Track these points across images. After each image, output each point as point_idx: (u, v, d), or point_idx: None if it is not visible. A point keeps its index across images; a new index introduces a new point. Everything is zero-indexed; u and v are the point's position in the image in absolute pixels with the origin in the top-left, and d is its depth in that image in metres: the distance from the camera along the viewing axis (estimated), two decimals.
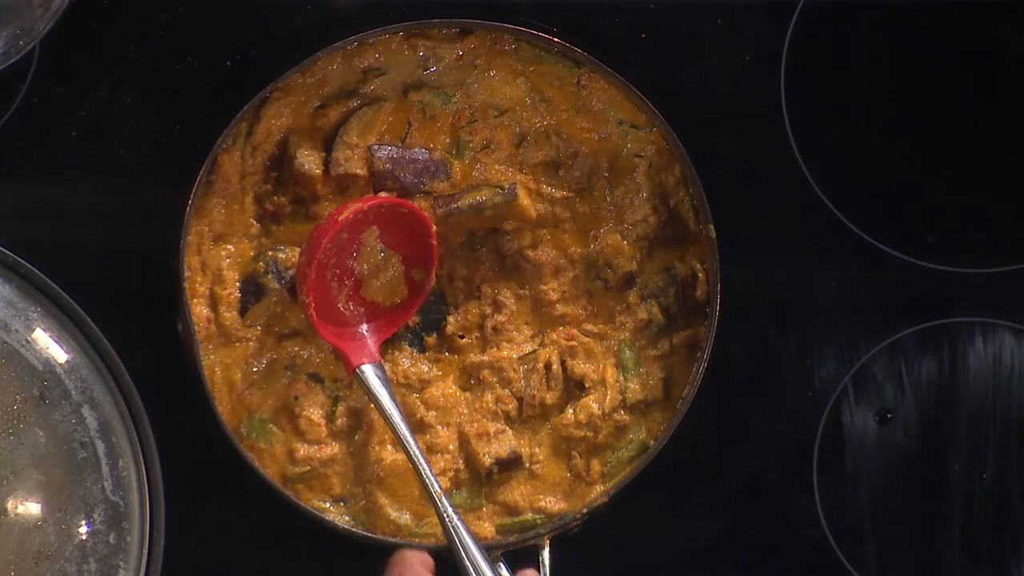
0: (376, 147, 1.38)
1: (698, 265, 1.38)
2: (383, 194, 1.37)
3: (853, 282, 1.43)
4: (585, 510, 1.36)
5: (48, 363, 1.31)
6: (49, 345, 1.31)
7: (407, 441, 1.32)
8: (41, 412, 1.30)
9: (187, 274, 1.36)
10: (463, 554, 1.28)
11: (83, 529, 1.29)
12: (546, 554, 1.35)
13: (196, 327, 1.35)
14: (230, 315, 1.37)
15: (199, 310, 1.37)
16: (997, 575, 1.43)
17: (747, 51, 1.43)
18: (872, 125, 1.43)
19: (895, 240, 1.43)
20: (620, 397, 1.38)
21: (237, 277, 1.38)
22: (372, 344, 1.36)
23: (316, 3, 1.41)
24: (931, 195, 1.43)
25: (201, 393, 1.34)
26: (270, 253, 1.38)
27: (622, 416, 1.38)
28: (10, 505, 1.29)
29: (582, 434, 1.38)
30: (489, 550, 1.34)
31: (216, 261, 1.38)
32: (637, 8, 1.42)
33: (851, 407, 1.42)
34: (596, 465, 1.38)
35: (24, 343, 1.30)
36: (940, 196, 1.43)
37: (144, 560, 1.31)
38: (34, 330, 1.31)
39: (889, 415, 1.42)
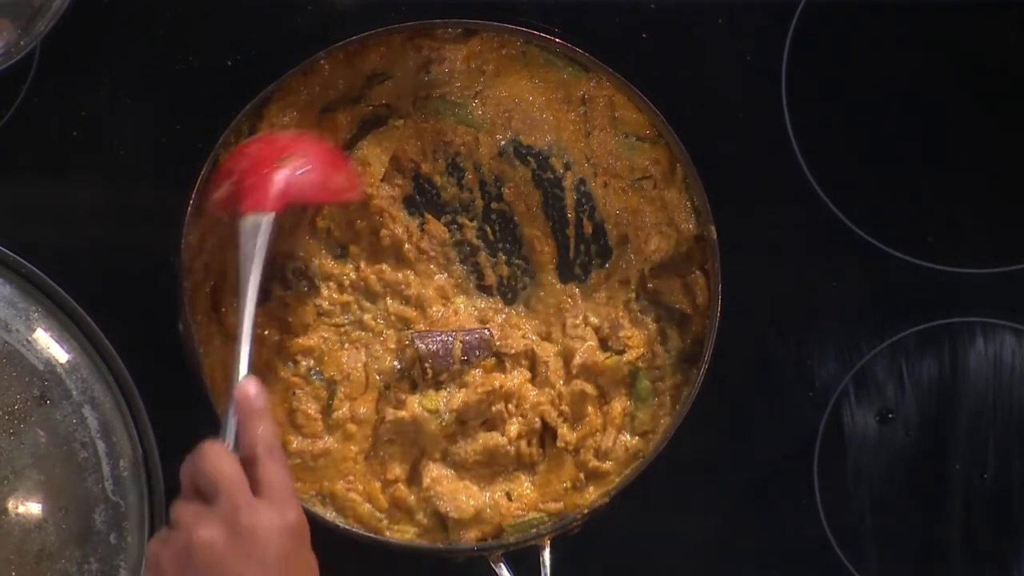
0: (418, 337, 1.37)
1: (697, 272, 1.38)
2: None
3: (853, 282, 1.43)
4: (586, 510, 1.36)
5: (49, 363, 1.31)
6: (50, 345, 1.31)
7: (246, 313, 1.23)
8: (42, 412, 1.30)
9: (188, 274, 1.36)
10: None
11: (83, 529, 1.30)
12: (547, 554, 1.35)
13: (196, 327, 1.35)
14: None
15: (200, 309, 1.37)
16: (997, 575, 1.43)
17: (747, 51, 1.43)
18: (872, 125, 1.43)
19: (895, 240, 1.43)
20: (625, 433, 1.38)
21: None
22: (275, 193, 1.27)
23: (316, 3, 1.41)
24: (931, 195, 1.43)
25: (201, 393, 1.33)
26: (279, 259, 1.38)
27: (630, 443, 1.39)
28: (11, 505, 1.29)
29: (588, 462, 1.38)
30: (489, 551, 1.34)
31: (217, 261, 1.38)
32: (637, 8, 1.42)
33: (852, 407, 1.42)
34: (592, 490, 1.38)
35: (25, 343, 1.31)
36: (940, 196, 1.43)
37: (144, 560, 1.31)
38: (35, 330, 1.31)
39: (890, 415, 1.42)
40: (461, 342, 1.37)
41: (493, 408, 1.37)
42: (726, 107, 1.43)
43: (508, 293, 1.41)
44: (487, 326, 1.39)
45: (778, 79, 1.43)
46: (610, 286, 1.40)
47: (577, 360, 1.38)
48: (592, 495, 1.37)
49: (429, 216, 1.41)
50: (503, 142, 1.40)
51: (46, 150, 1.40)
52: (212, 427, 1.35)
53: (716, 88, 1.43)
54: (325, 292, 1.39)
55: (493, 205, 1.41)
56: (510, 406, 1.37)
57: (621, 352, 1.38)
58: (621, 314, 1.39)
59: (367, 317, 1.39)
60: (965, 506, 1.42)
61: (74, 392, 1.31)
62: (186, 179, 1.36)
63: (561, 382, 1.38)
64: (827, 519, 1.42)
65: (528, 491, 1.37)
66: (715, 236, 1.36)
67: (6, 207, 1.39)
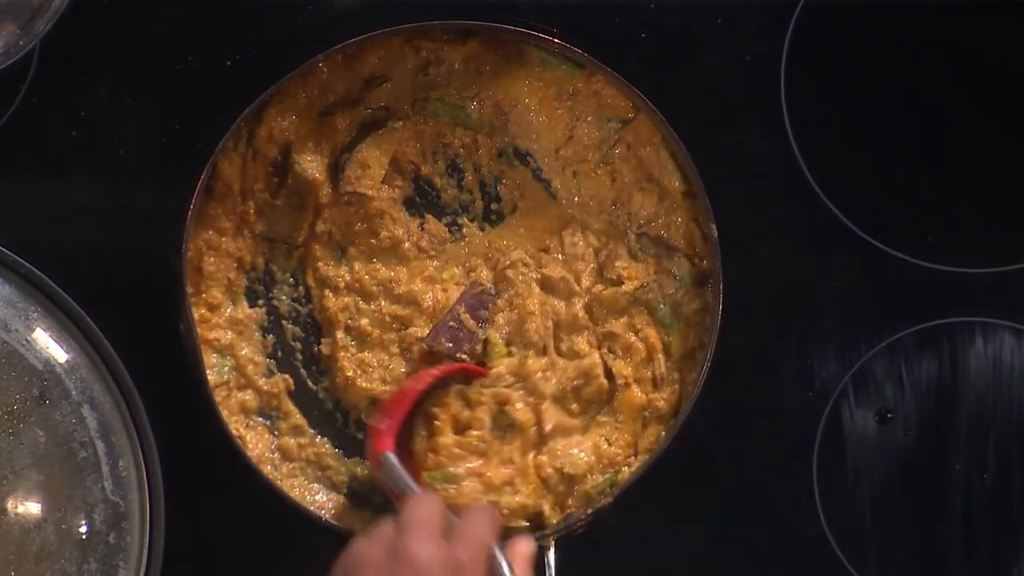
0: (432, 340, 1.38)
1: (692, 223, 1.38)
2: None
3: (853, 282, 1.43)
4: (590, 510, 1.36)
5: (48, 363, 1.31)
6: (49, 345, 1.31)
7: None
8: (41, 412, 1.30)
9: (188, 277, 1.36)
10: None
11: (83, 529, 1.30)
12: (551, 554, 1.34)
13: (197, 328, 1.35)
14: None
15: (201, 311, 1.37)
16: (997, 575, 1.43)
17: (747, 51, 1.43)
18: (872, 125, 1.43)
19: (895, 240, 1.43)
20: (664, 358, 1.39)
21: (244, 282, 1.39)
22: (383, 439, 1.35)
23: (316, 3, 1.41)
24: (931, 195, 1.43)
25: (202, 394, 1.33)
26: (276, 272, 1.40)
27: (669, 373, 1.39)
28: (10, 505, 1.29)
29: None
30: None
31: (218, 264, 1.38)
32: (637, 8, 1.42)
33: (851, 407, 1.42)
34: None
35: (24, 343, 1.31)
36: (940, 196, 1.43)
37: (144, 560, 1.31)
38: (34, 330, 1.31)
39: (889, 415, 1.42)
40: (465, 312, 1.38)
41: (547, 328, 1.38)
42: (726, 107, 1.43)
43: (492, 217, 1.42)
44: (472, 278, 1.40)
45: (778, 79, 1.43)
46: (601, 220, 1.41)
47: (584, 283, 1.39)
48: (652, 437, 1.38)
49: (429, 216, 1.41)
50: (500, 145, 1.40)
51: (46, 150, 1.40)
52: (211, 427, 1.35)
53: (716, 88, 1.43)
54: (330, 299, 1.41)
55: (493, 206, 1.42)
56: (560, 334, 1.39)
57: (619, 283, 1.39)
58: (620, 247, 1.39)
59: (364, 322, 1.40)
60: (965, 506, 1.42)
61: (73, 392, 1.31)
62: (186, 179, 1.36)
63: (586, 284, 1.39)
64: (827, 519, 1.42)
65: (620, 434, 1.38)
66: (716, 235, 1.36)
67: (6, 207, 1.39)
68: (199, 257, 1.38)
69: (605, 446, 1.38)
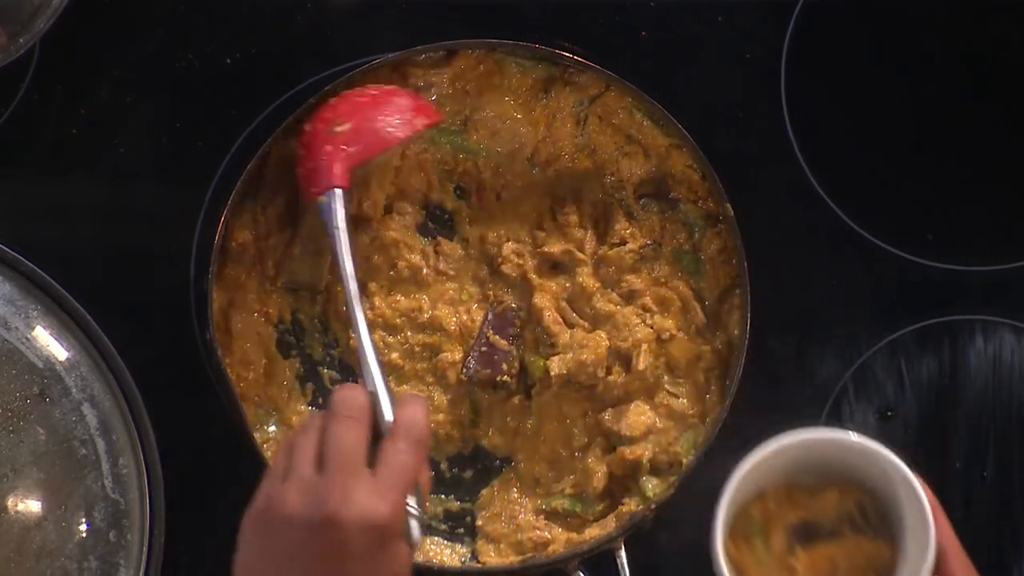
0: (469, 371, 1.38)
1: (689, 171, 1.39)
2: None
3: (853, 280, 1.43)
4: (653, 505, 1.35)
5: (48, 361, 1.31)
6: (49, 343, 1.31)
7: (353, 300, 1.19)
8: (41, 409, 1.30)
9: (219, 339, 1.35)
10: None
11: (83, 527, 1.30)
12: (623, 554, 1.34)
13: (236, 387, 1.35)
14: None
15: (236, 371, 1.37)
16: (997, 575, 1.43)
17: (747, 51, 1.43)
18: (872, 124, 1.43)
19: (895, 238, 1.43)
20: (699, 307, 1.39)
21: (274, 335, 1.39)
22: (333, 170, 1.22)
23: (316, 3, 1.41)
24: (931, 193, 1.43)
25: (246, 448, 1.34)
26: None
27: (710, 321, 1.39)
28: (10, 503, 1.29)
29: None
30: (565, 562, 1.34)
31: (246, 322, 1.38)
32: (637, 7, 1.42)
33: (851, 405, 1.42)
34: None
35: (24, 341, 1.31)
36: (940, 194, 1.43)
37: (144, 558, 1.31)
38: (34, 328, 1.31)
39: (889, 413, 1.42)
40: (494, 334, 1.38)
41: (562, 309, 1.39)
42: (726, 107, 1.43)
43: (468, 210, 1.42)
44: (491, 300, 1.40)
45: (778, 79, 1.43)
46: (593, 191, 1.41)
47: (588, 249, 1.39)
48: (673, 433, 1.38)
49: (442, 239, 1.41)
50: (496, 162, 1.40)
51: (46, 149, 1.40)
52: (210, 424, 1.35)
53: (716, 88, 1.43)
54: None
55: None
56: (579, 305, 1.39)
57: (622, 243, 1.39)
58: (616, 211, 1.40)
59: (394, 356, 1.39)
60: (965, 505, 1.42)
61: (73, 389, 1.31)
62: (185, 178, 1.37)
63: (590, 249, 1.39)
64: None
65: (683, 402, 1.39)
66: (732, 214, 1.35)
67: (6, 206, 1.39)
68: (225, 319, 1.37)
69: (675, 403, 1.38)
